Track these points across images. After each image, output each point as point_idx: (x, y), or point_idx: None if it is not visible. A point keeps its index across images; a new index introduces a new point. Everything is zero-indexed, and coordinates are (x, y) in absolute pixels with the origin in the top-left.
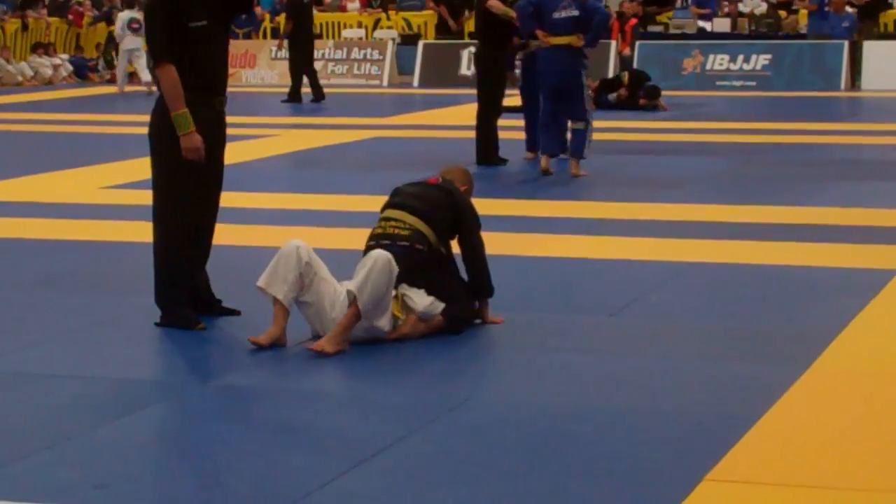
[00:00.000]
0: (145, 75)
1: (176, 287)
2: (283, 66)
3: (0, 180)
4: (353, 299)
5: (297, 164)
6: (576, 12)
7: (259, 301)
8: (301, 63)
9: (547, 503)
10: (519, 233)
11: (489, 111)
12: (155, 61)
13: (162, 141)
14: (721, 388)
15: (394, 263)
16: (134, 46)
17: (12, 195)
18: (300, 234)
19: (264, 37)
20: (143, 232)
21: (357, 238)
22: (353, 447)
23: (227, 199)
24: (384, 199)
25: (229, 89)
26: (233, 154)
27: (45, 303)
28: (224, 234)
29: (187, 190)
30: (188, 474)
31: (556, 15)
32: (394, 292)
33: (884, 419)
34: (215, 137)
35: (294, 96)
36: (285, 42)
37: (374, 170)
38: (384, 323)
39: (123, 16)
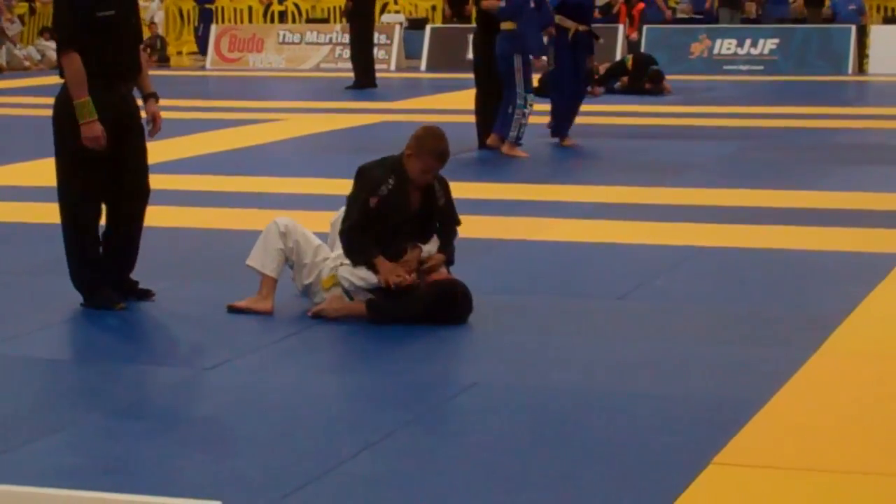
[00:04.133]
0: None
1: (88, 269)
2: (291, 51)
3: (7, 164)
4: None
5: (303, 148)
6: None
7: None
8: (363, 46)
9: (554, 487)
10: (524, 217)
11: (488, 95)
12: (60, 49)
13: (65, 127)
14: (728, 372)
15: (280, 223)
16: None
17: (19, 179)
18: (306, 218)
19: (272, 21)
20: (150, 216)
21: None
22: (361, 431)
23: (233, 183)
24: None
25: (237, 73)
26: (239, 139)
27: (52, 287)
28: (230, 219)
29: (91, 174)
30: (197, 458)
31: None
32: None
33: (891, 403)
34: (127, 123)
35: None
36: (347, 26)
37: (382, 154)
38: (307, 278)
39: None
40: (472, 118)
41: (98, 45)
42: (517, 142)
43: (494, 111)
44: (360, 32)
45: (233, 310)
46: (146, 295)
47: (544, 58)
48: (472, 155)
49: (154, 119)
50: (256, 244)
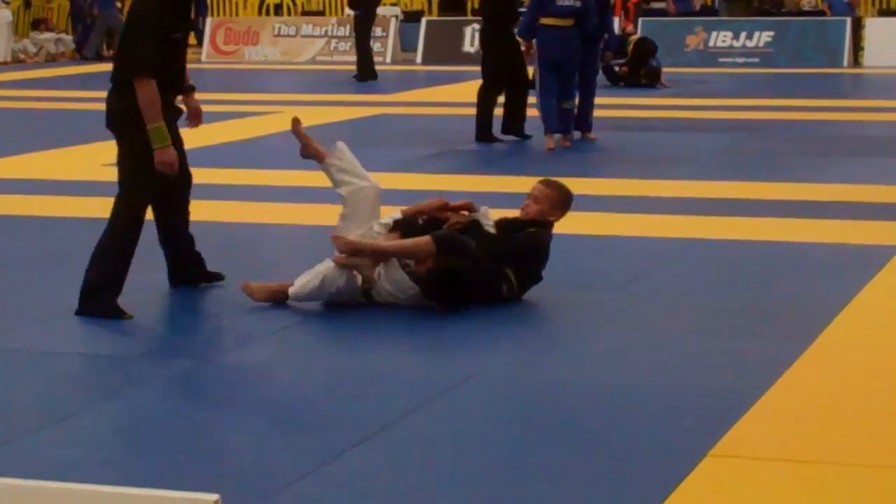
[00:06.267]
0: None
1: (112, 282)
2: (286, 43)
3: (3, 157)
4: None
5: None
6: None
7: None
8: (362, 37)
9: (550, 479)
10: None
11: (489, 89)
12: (137, 73)
13: (132, 133)
14: (724, 364)
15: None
16: None
17: (15, 172)
18: (304, 211)
19: (267, 13)
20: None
21: None
22: (357, 423)
23: (232, 176)
24: (389, 175)
25: (231, 66)
26: (236, 131)
27: (49, 280)
28: (227, 211)
29: (151, 187)
30: (192, 451)
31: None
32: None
33: (887, 395)
34: (177, 133)
35: (368, 74)
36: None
37: (379, 146)
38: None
39: None
40: (468, 110)
41: (163, 65)
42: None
43: (493, 104)
44: (360, 23)
45: (252, 297)
46: (216, 278)
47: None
48: (468, 148)
49: (196, 113)
50: (308, 286)
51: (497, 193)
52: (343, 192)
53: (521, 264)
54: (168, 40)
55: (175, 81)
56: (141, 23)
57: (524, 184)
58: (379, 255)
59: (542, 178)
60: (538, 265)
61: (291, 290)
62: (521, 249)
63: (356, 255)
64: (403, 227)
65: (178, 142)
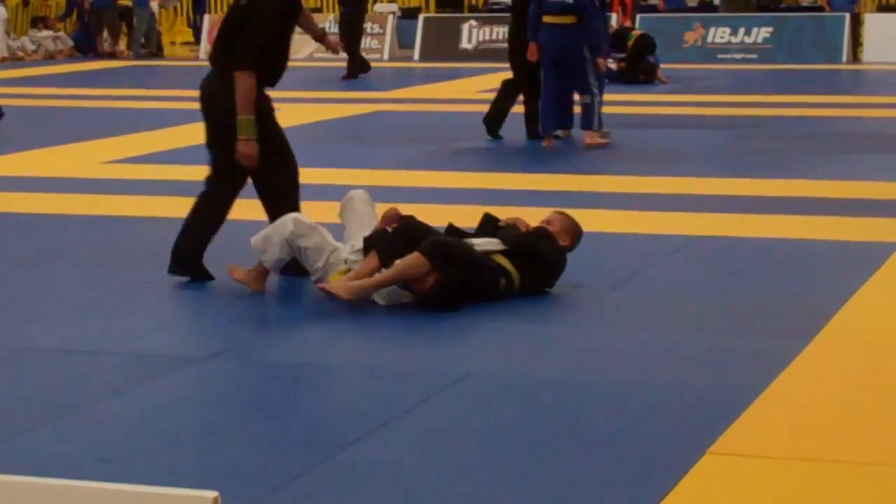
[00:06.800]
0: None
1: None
2: None
3: (2, 155)
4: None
5: (299, 138)
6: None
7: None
8: (357, 33)
9: (548, 477)
10: (517, 206)
11: (514, 83)
12: (243, 66)
13: (224, 111)
14: (723, 362)
15: (290, 228)
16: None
17: (14, 170)
18: (303, 208)
19: None
20: (145, 206)
21: None
22: (354, 421)
23: None
24: (385, 172)
25: None
26: None
27: (48, 278)
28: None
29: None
30: (193, 448)
31: None
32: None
33: (887, 392)
34: (268, 110)
35: (361, 67)
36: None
37: (376, 143)
38: (314, 274)
39: None
40: (466, 107)
41: (270, 59)
42: (599, 128)
43: (512, 103)
44: (346, 20)
45: (231, 276)
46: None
47: (608, 61)
48: (466, 146)
49: (333, 42)
50: (267, 228)
51: (496, 191)
52: (340, 210)
53: (536, 268)
54: (281, 39)
55: (275, 74)
56: (261, 20)
57: (519, 181)
58: (381, 287)
59: (557, 209)
60: (550, 279)
61: (253, 240)
62: (548, 256)
63: (361, 296)
64: (374, 242)
65: (276, 126)
